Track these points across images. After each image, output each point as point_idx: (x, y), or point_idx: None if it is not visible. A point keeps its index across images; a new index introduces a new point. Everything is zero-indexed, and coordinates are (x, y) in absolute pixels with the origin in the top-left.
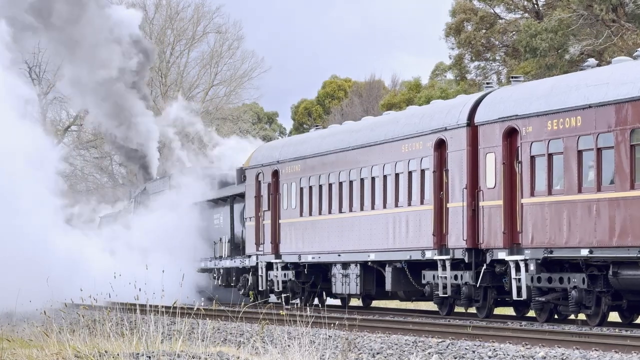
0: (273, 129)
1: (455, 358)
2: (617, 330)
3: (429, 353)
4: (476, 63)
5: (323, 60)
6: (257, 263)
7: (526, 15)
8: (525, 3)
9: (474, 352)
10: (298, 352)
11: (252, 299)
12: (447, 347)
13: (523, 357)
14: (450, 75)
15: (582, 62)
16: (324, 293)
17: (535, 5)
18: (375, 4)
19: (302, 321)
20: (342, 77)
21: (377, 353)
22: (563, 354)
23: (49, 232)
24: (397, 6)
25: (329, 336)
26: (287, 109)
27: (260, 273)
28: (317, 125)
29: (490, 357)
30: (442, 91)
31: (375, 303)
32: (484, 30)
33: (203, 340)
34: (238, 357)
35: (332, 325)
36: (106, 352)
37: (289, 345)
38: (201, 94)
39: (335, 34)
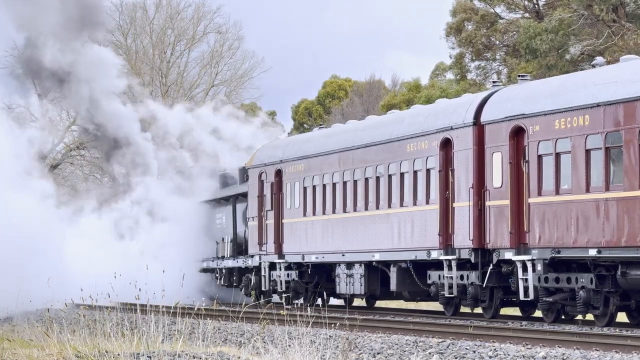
0: None
1: (456, 358)
2: (617, 330)
3: (430, 353)
4: (476, 63)
5: (323, 60)
6: (260, 263)
7: (526, 15)
8: (526, 3)
9: (474, 352)
10: (299, 352)
11: (254, 298)
12: (447, 347)
13: (524, 357)
14: (450, 75)
15: (582, 62)
16: (324, 293)
17: (536, 5)
18: (375, 4)
19: (302, 321)
20: (342, 77)
21: (378, 353)
22: (564, 354)
23: (49, 231)
24: (398, 6)
25: (330, 336)
26: (287, 109)
27: (263, 273)
28: (320, 125)
29: (490, 357)
30: (442, 91)
31: (379, 303)
32: (484, 30)
33: (204, 340)
34: (239, 357)
35: (332, 325)
36: (107, 352)
37: (289, 345)
38: (201, 94)
39: (335, 34)
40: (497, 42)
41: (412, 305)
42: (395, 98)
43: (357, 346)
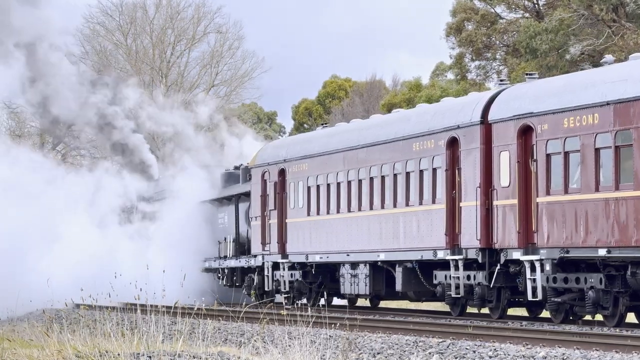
0: (273, 129)
1: (456, 358)
2: (617, 330)
3: (430, 353)
4: (477, 62)
5: (323, 60)
6: (263, 263)
7: (527, 15)
8: (526, 3)
9: (474, 352)
10: (299, 352)
11: (254, 298)
12: (447, 347)
13: (524, 357)
14: (450, 75)
15: (582, 62)
16: (325, 293)
17: (536, 5)
18: (375, 4)
19: (303, 321)
20: (343, 77)
21: (378, 353)
22: (564, 354)
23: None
24: (398, 6)
25: (330, 336)
26: (287, 109)
27: (266, 273)
28: (324, 124)
29: (490, 357)
30: (442, 91)
31: (383, 304)
32: (484, 30)
33: (204, 340)
34: (239, 357)
35: (333, 325)
36: (107, 352)
37: (289, 345)
38: (202, 94)
39: (335, 33)
40: (497, 42)
41: (418, 305)
42: (396, 97)
43: (357, 346)
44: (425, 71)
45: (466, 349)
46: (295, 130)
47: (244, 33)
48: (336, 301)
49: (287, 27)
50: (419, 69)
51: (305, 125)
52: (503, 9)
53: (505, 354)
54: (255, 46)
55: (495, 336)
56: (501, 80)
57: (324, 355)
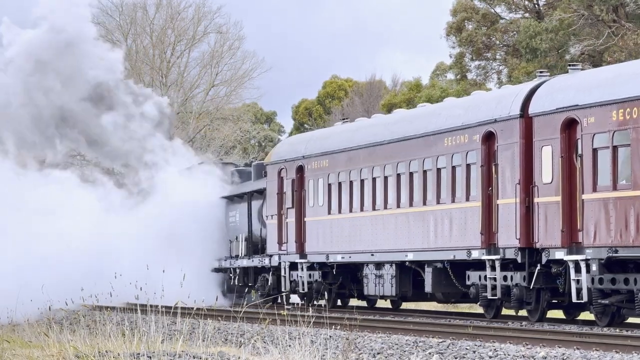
0: (272, 129)
1: (456, 358)
2: (617, 330)
3: (430, 353)
4: (477, 62)
5: (323, 60)
6: (279, 263)
7: (527, 15)
8: (526, 3)
9: (474, 352)
10: (299, 352)
11: (255, 297)
12: (447, 347)
13: (524, 357)
14: (450, 75)
15: (582, 62)
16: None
17: (536, 5)
18: (375, 4)
19: (303, 321)
20: (343, 77)
21: (378, 353)
22: (564, 354)
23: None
24: (398, 6)
25: (330, 336)
26: (287, 109)
27: (283, 273)
28: (344, 119)
29: (490, 357)
30: (442, 91)
31: (405, 305)
32: (484, 29)
33: (204, 340)
34: (239, 357)
35: (332, 325)
36: (107, 352)
37: (289, 345)
38: (202, 94)
39: (335, 33)
40: (498, 42)
41: (450, 307)
42: (396, 97)
43: (357, 346)
44: (426, 71)
45: (466, 349)
46: (295, 130)
47: (244, 33)
48: (356, 302)
49: (287, 27)
50: (419, 69)
51: (305, 125)
52: (503, 9)
53: (505, 354)
54: (255, 46)
55: (495, 336)
56: (540, 72)
57: (324, 355)
